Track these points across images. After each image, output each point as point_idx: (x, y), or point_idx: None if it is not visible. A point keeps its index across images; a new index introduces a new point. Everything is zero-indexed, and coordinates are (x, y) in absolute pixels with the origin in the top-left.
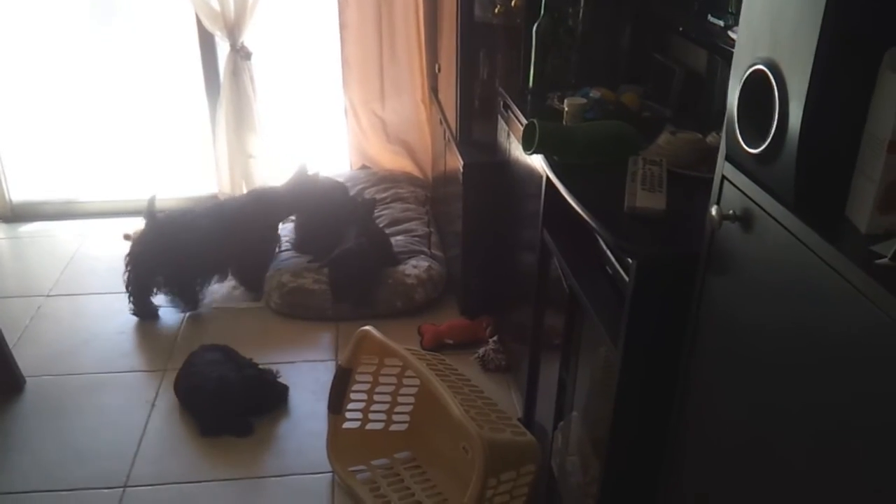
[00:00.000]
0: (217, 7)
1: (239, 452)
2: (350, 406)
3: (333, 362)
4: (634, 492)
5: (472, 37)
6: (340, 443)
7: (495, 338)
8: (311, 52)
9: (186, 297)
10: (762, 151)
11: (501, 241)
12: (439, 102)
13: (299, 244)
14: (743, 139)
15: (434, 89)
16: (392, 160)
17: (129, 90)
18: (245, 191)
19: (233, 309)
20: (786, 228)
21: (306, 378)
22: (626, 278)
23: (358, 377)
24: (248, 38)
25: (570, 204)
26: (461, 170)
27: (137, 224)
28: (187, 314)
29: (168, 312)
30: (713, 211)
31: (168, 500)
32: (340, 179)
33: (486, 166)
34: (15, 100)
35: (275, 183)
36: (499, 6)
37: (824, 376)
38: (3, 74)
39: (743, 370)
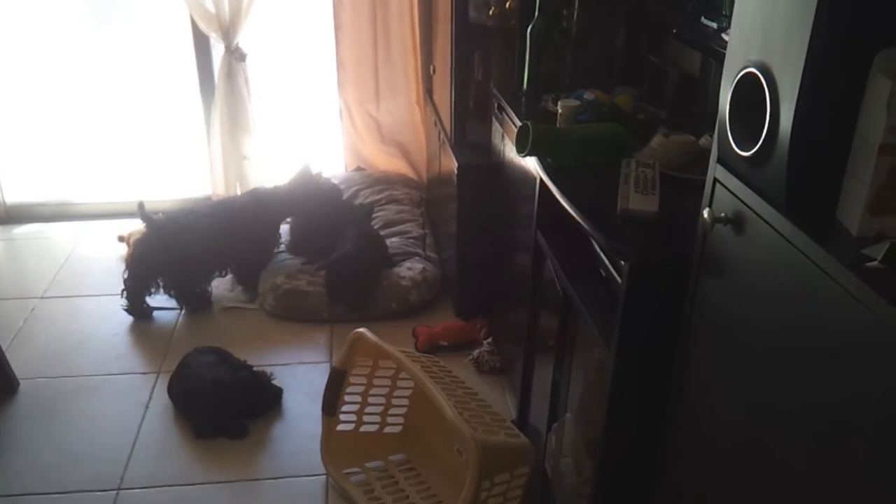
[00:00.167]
0: (212, 8)
1: (233, 455)
2: (344, 408)
3: (328, 364)
4: (628, 493)
5: (467, 38)
6: (334, 445)
7: (489, 339)
8: (305, 53)
9: (186, 297)
10: (753, 154)
11: (496, 242)
12: (434, 104)
13: (294, 246)
14: (735, 142)
15: (429, 91)
16: (387, 161)
17: (123, 92)
18: (239, 192)
19: (227, 311)
20: (777, 231)
21: (300, 380)
22: (619, 280)
23: (352, 379)
24: (242, 40)
25: (563, 206)
26: (455, 171)
27: (132, 226)
28: (181, 316)
29: (162, 314)
30: (705, 213)
31: (162, 502)
32: (335, 181)
33: (481, 168)
34: (9, 101)
35: (270, 184)
36: (493, 8)
37: (817, 377)
38: None
39: (736, 371)
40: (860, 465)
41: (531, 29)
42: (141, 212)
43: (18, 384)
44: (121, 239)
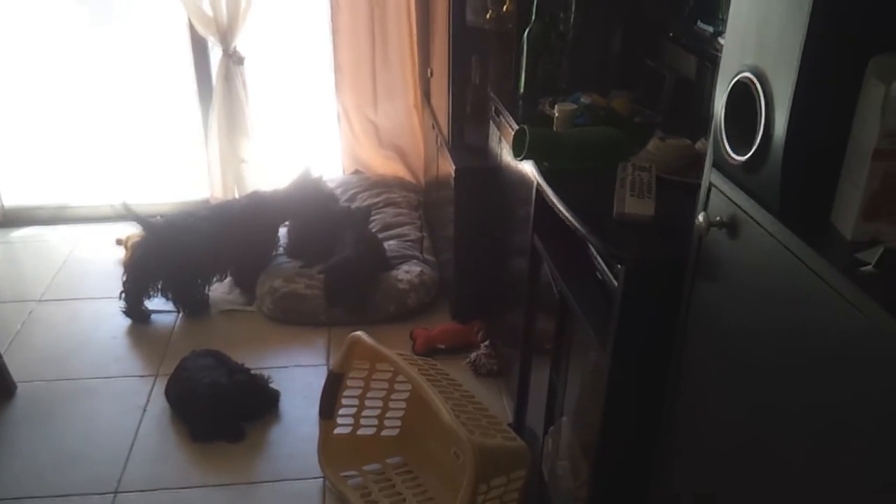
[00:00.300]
0: (210, 12)
1: (230, 458)
2: (341, 411)
3: (325, 367)
4: (625, 496)
5: (464, 42)
6: (332, 448)
7: (487, 342)
8: (303, 56)
9: (184, 300)
10: (748, 159)
11: (493, 245)
12: (431, 107)
13: (291, 249)
14: (729, 146)
15: (426, 94)
16: (384, 165)
17: (121, 95)
18: (237, 195)
19: (225, 314)
20: (772, 235)
21: (298, 383)
22: (616, 283)
23: (349, 382)
24: (240, 43)
25: (560, 209)
26: (453, 174)
27: (130, 229)
28: (179, 319)
29: (160, 317)
30: (700, 218)
31: None
32: (332, 185)
33: (478, 171)
34: (7, 104)
35: (269, 187)
36: (490, 11)
37: (811, 380)
38: None
39: (731, 374)
40: (855, 468)
41: (528, 32)
42: (128, 211)
43: (16, 387)
44: (119, 242)
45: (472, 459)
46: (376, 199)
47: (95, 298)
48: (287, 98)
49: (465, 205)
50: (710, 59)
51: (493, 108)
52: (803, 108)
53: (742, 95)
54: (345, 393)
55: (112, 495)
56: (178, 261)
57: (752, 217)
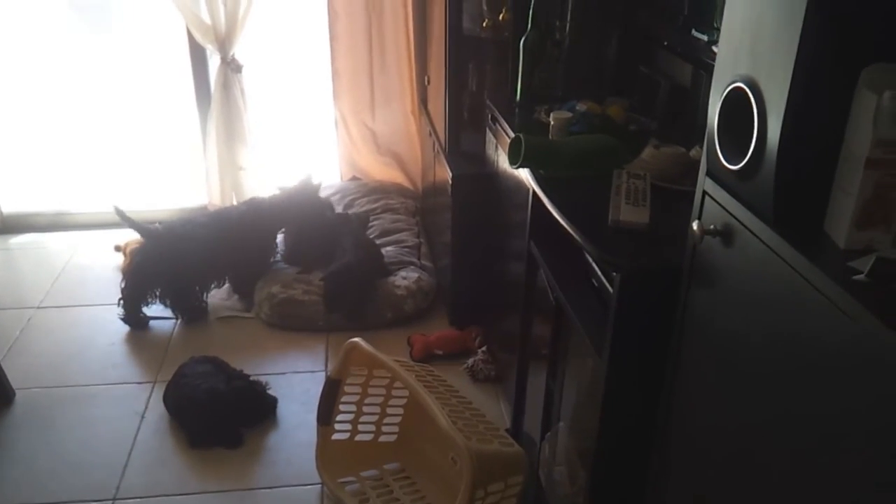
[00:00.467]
0: (208, 20)
1: (228, 464)
2: (339, 417)
3: (323, 373)
4: (621, 501)
5: (461, 49)
6: (329, 454)
7: (484, 348)
8: (301, 64)
9: (182, 307)
10: (742, 168)
11: (490, 251)
12: (429, 114)
13: (288, 255)
14: (723, 155)
15: (423, 101)
16: (382, 171)
17: (120, 102)
18: (235, 202)
19: (223, 320)
20: (765, 243)
21: (296, 389)
22: (611, 290)
23: (347, 388)
24: (238, 51)
25: (555, 217)
26: (450, 181)
27: (128, 236)
28: (177, 325)
29: (159, 323)
30: (694, 226)
31: None
32: (330, 191)
33: (475, 178)
34: (5, 111)
35: (267, 194)
36: (487, 19)
37: (805, 386)
38: None
39: (727, 381)
40: (847, 472)
41: (524, 41)
42: (122, 217)
43: (14, 394)
44: (117, 249)
45: (469, 465)
46: (374, 205)
47: (94, 305)
48: (285, 105)
49: (462, 211)
50: (704, 68)
51: (490, 115)
52: (796, 118)
53: (736, 104)
54: (342, 399)
55: (110, 502)
56: (176, 267)
57: (745, 225)
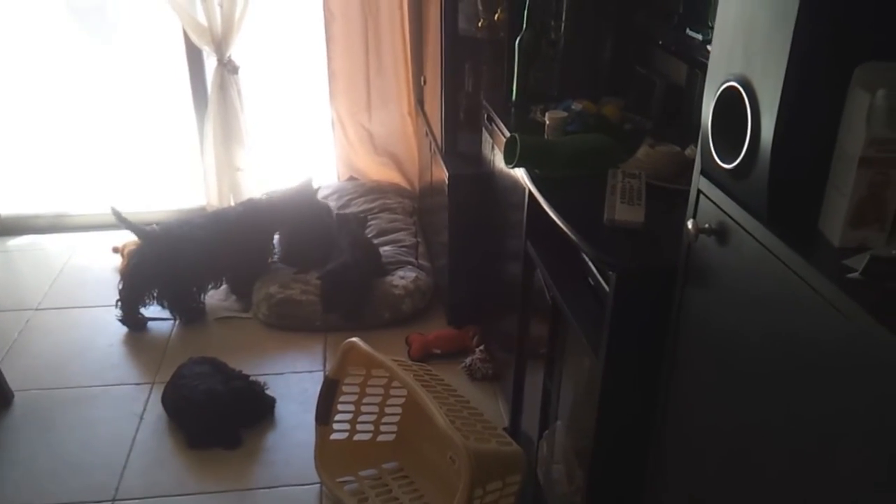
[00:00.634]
0: (204, 22)
1: (227, 464)
2: (337, 417)
3: (321, 373)
4: (619, 500)
5: (457, 50)
6: (328, 454)
7: (482, 347)
8: (297, 65)
9: (180, 308)
10: (736, 166)
11: (487, 251)
12: (425, 114)
13: (285, 256)
14: (717, 154)
15: (420, 101)
16: (379, 171)
17: (117, 104)
18: (233, 203)
19: (221, 321)
20: (760, 242)
21: (294, 389)
22: (607, 289)
23: (345, 388)
24: (235, 53)
25: (551, 216)
26: (447, 181)
27: (126, 237)
28: (175, 326)
29: (157, 324)
30: (689, 224)
31: None
32: (327, 191)
33: (472, 178)
34: (3, 114)
35: (265, 194)
36: (483, 20)
37: (800, 384)
38: None
39: (723, 378)
40: (843, 470)
41: (520, 41)
42: (118, 218)
43: (13, 396)
44: (115, 250)
45: (467, 464)
46: (371, 205)
47: (92, 306)
48: (282, 106)
49: (459, 211)
50: (699, 67)
51: (486, 115)
52: (790, 117)
53: (729, 103)
54: (341, 399)
55: (110, 502)
56: (173, 268)
57: (740, 224)
